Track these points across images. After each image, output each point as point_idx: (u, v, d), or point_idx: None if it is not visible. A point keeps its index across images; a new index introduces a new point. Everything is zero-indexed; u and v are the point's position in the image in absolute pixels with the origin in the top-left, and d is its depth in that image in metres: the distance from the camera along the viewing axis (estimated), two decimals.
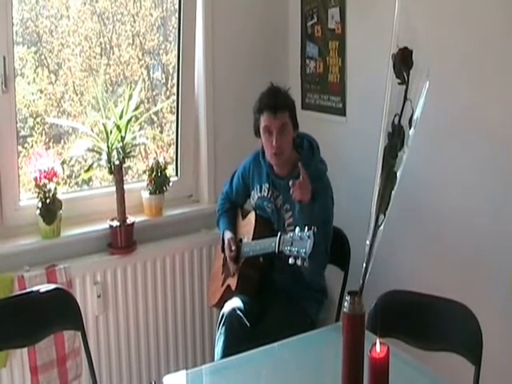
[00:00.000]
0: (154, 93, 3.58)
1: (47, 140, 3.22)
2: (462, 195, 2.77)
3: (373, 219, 1.70)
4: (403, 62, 1.58)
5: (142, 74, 3.47)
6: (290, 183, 2.58)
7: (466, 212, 2.76)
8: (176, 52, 3.45)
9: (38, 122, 3.18)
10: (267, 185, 2.85)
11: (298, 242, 2.43)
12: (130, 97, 3.11)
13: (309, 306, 2.82)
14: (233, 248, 2.86)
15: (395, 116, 1.63)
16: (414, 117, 1.61)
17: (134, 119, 3.13)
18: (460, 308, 2.16)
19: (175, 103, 3.49)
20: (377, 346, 1.58)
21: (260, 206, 2.89)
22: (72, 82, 3.26)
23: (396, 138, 1.63)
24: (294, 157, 2.77)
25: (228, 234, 2.95)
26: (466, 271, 2.78)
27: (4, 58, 2.82)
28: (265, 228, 2.82)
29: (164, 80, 3.59)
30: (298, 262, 2.41)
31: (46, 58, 3.17)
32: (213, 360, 3.30)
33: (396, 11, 1.61)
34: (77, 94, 3.28)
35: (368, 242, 1.71)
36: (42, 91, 3.18)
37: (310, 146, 2.83)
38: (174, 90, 3.51)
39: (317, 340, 2.42)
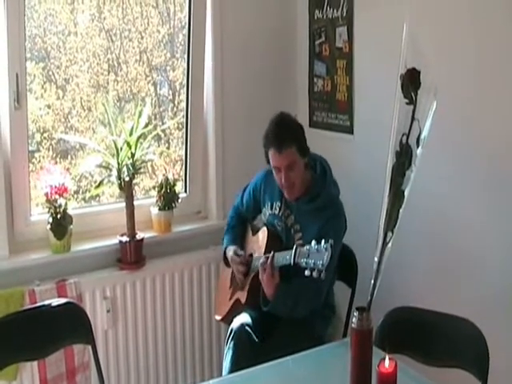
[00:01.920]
0: (161, 109, 3.60)
1: (54, 155, 3.25)
2: (472, 212, 2.78)
3: (381, 237, 1.73)
4: (411, 82, 1.62)
5: (149, 90, 3.50)
6: (260, 262, 2.62)
7: (475, 230, 2.78)
8: (183, 69, 3.50)
9: (45, 138, 3.21)
10: (279, 203, 2.86)
11: (315, 254, 2.42)
12: (140, 114, 3.15)
13: (316, 322, 2.82)
14: (240, 255, 2.89)
15: (403, 135, 1.66)
16: (422, 136, 1.64)
17: (143, 136, 3.16)
18: (466, 324, 2.17)
19: (183, 120, 3.52)
20: (386, 361, 1.60)
21: (271, 223, 2.90)
22: (80, 97, 3.29)
23: (404, 157, 1.66)
24: (307, 178, 2.78)
25: (231, 249, 2.95)
26: (474, 288, 2.80)
27: (17, 74, 2.87)
28: (277, 244, 2.81)
29: (171, 96, 3.62)
30: (314, 274, 2.40)
31: (53, 73, 3.20)
32: (220, 374, 3.33)
33: (404, 32, 1.65)
34: (84, 110, 3.31)
35: (376, 259, 1.74)
36: (49, 107, 3.20)
37: (323, 171, 2.83)
38: (181, 106, 3.55)
39: (324, 355, 2.43)
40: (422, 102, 1.61)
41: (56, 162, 3.22)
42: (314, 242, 2.45)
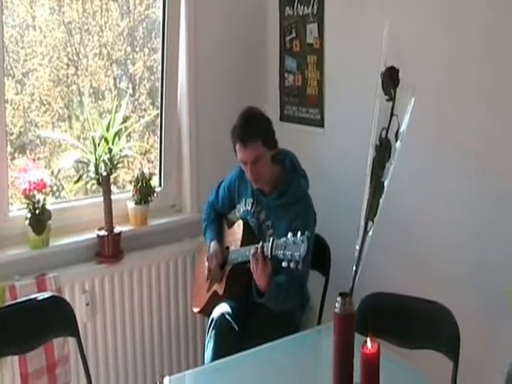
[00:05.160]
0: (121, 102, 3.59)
1: (12, 150, 3.23)
2: (445, 202, 2.87)
3: (362, 225, 1.82)
4: (390, 80, 1.72)
5: (108, 83, 3.50)
6: (250, 254, 2.63)
7: (448, 217, 2.87)
8: (143, 62, 3.54)
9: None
10: (251, 199, 2.93)
11: (292, 246, 2.47)
12: (117, 109, 3.20)
13: (294, 311, 2.89)
14: (219, 259, 2.94)
15: (382, 130, 1.75)
16: (401, 130, 1.74)
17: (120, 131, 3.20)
18: (437, 307, 2.28)
19: (143, 114, 3.57)
20: (368, 343, 1.70)
21: (245, 219, 2.97)
22: (39, 92, 3.27)
23: (383, 151, 1.76)
24: (276, 172, 2.85)
25: (214, 246, 3.02)
26: (444, 272, 2.89)
27: None
28: (252, 236, 2.89)
29: (131, 90, 3.61)
30: (292, 265, 2.46)
31: (11, 67, 3.16)
32: (196, 365, 3.41)
33: (384, 32, 1.75)
34: (44, 105, 3.30)
35: (358, 247, 1.83)
36: (7, 101, 3.15)
37: (292, 165, 2.89)
38: (141, 99, 3.59)
39: (302, 342, 2.52)
40: (401, 99, 1.70)
41: (14, 158, 3.22)
42: (290, 234, 2.51)
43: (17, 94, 3.22)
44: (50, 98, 3.31)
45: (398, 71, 1.70)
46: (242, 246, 2.87)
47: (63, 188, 3.42)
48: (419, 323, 2.35)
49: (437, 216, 2.92)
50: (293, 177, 2.86)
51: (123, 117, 3.22)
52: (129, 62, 3.57)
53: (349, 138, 3.23)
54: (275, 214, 2.87)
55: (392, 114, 1.71)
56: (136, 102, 3.62)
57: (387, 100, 1.70)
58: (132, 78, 3.62)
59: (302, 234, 2.47)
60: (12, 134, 3.23)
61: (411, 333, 2.36)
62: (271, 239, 2.59)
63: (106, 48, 3.45)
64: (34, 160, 3.24)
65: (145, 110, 3.64)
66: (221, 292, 2.91)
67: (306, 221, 2.79)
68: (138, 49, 3.58)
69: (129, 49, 3.55)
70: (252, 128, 2.75)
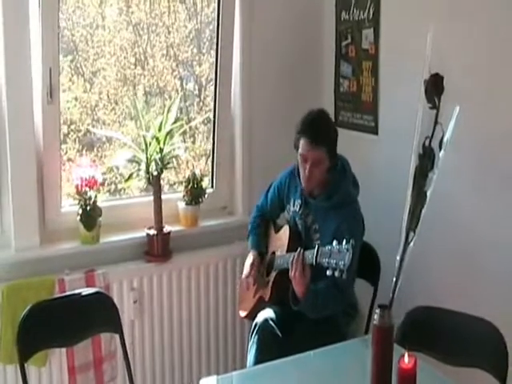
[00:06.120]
0: (187, 104, 3.63)
1: (80, 147, 3.30)
2: (495, 213, 2.79)
3: (403, 236, 1.78)
4: (434, 87, 1.67)
5: (175, 84, 3.54)
6: (289, 261, 2.63)
7: (497, 230, 2.79)
8: (209, 64, 3.56)
9: (72, 130, 3.25)
10: (300, 201, 2.91)
11: (337, 254, 2.43)
12: (169, 109, 3.22)
13: (339, 319, 2.86)
14: (252, 273, 2.95)
15: (426, 138, 1.71)
16: (444, 139, 1.69)
17: (172, 131, 3.22)
18: (486, 325, 2.20)
19: (209, 115, 3.58)
20: (405, 357, 1.66)
21: (293, 220, 2.95)
22: (106, 91, 3.34)
23: (426, 160, 1.71)
24: (327, 178, 2.81)
25: (253, 255, 3.04)
26: (494, 289, 2.81)
27: (50, 69, 2.94)
28: (298, 242, 2.85)
29: (197, 91, 3.65)
30: (336, 274, 2.42)
31: (81, 66, 3.24)
32: (243, 367, 3.40)
33: (428, 39, 1.70)
34: (111, 103, 3.36)
35: (398, 258, 1.79)
36: (76, 99, 3.24)
37: (342, 169, 2.86)
38: (207, 101, 3.61)
39: (345, 351, 2.48)
40: (445, 107, 1.66)
41: (82, 155, 3.29)
42: (335, 242, 2.47)
43: (85, 92, 3.30)
44: (117, 97, 3.38)
45: (442, 78, 1.65)
46: (287, 252, 2.85)
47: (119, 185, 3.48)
48: (465, 340, 2.28)
49: (488, 229, 2.83)
50: (342, 181, 2.83)
51: (188, 117, 3.24)
52: (195, 63, 3.61)
53: (403, 147, 3.10)
54: (322, 217, 2.84)
55: (436, 123, 1.67)
56: (202, 103, 3.66)
57: (430, 108, 1.66)
58: (198, 79, 3.65)
59: (347, 242, 2.43)
60: (80, 131, 3.31)
61: (456, 349, 2.30)
62: (316, 246, 2.56)
63: (172, 49, 3.50)
64: (101, 157, 3.33)
65: (210, 111, 3.64)
66: (266, 297, 2.90)
67: (352, 226, 2.75)
68: (204, 50, 3.61)
69: (195, 50, 3.59)
70: (324, 132, 2.76)
